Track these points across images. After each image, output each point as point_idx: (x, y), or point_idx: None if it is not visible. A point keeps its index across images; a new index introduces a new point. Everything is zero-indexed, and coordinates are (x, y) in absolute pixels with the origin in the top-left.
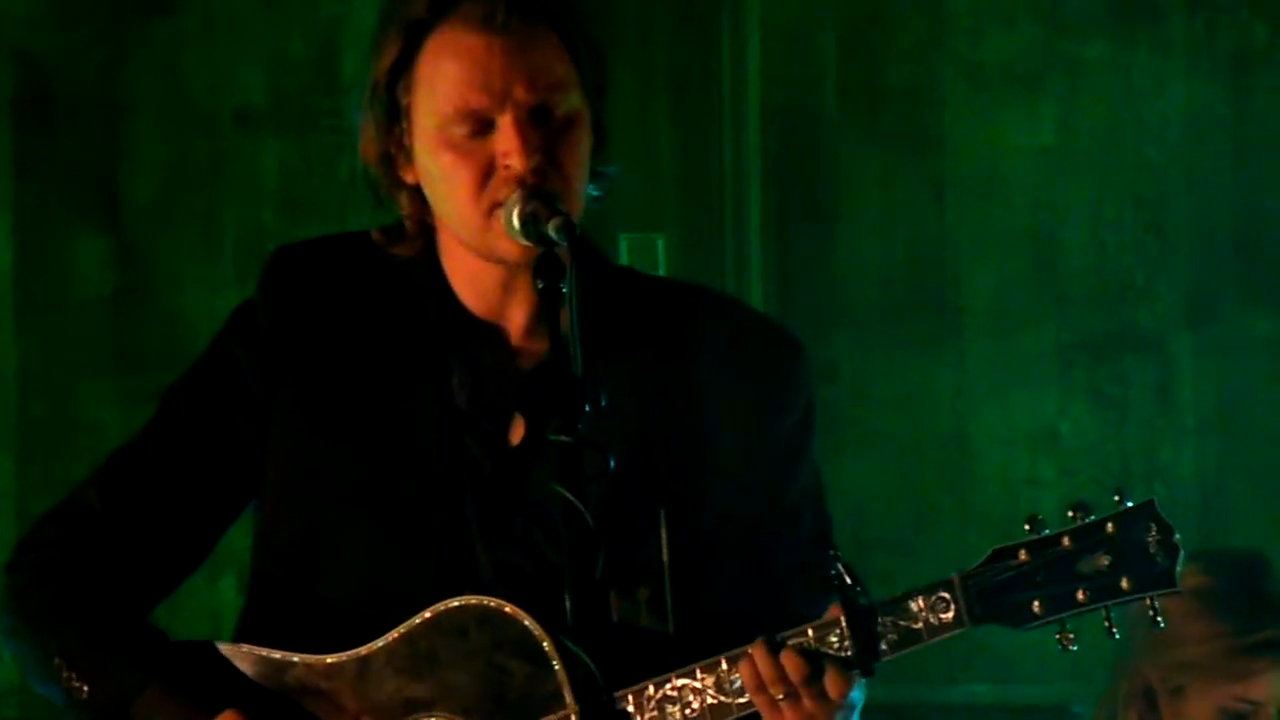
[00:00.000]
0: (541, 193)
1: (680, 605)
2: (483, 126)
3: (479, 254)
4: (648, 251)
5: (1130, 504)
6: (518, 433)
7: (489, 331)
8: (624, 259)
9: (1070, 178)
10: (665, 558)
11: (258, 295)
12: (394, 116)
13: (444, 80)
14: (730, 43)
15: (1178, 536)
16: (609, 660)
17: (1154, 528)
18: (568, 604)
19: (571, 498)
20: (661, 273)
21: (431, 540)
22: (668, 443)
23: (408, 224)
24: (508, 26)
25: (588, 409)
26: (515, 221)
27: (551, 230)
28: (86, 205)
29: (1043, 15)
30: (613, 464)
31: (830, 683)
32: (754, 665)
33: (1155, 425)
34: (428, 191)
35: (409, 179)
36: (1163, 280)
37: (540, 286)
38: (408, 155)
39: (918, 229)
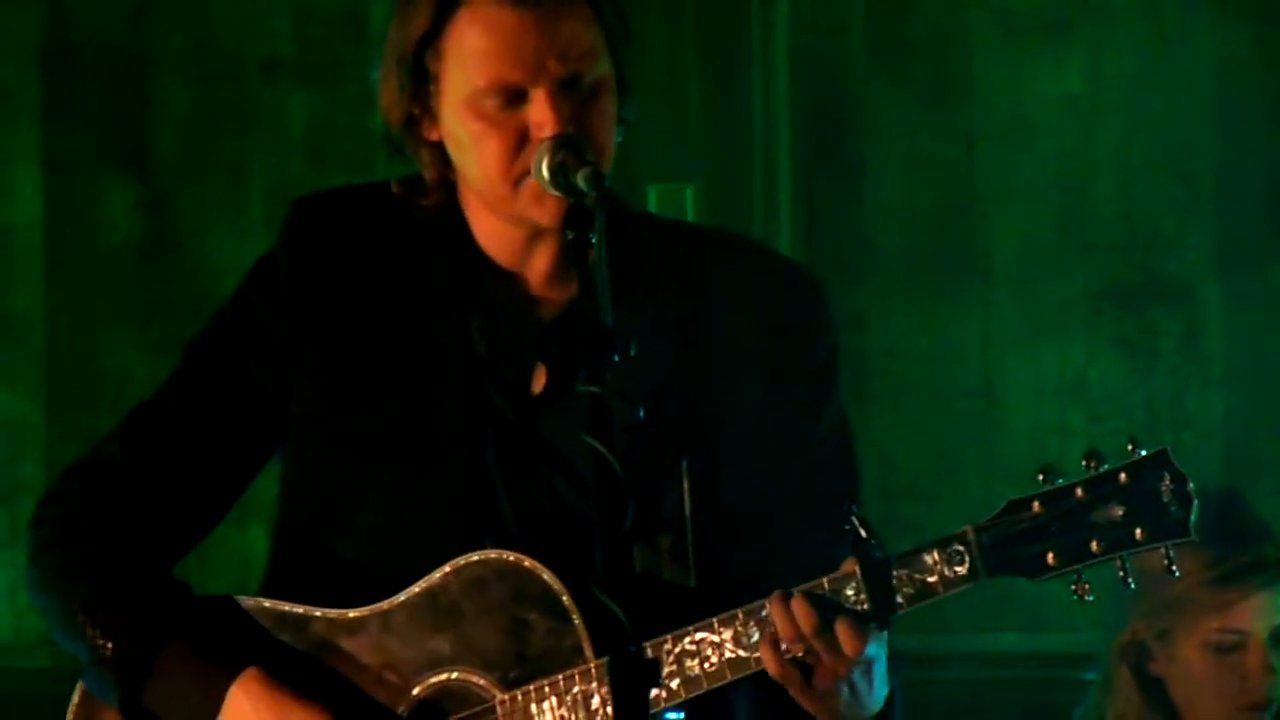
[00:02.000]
0: (571, 142)
1: (702, 556)
2: (515, 98)
3: (504, 217)
4: (676, 201)
5: (1144, 452)
6: (539, 381)
7: (510, 280)
8: (653, 209)
9: (1099, 126)
10: (687, 509)
11: (278, 247)
12: (421, 81)
13: (476, 54)
14: None
15: (1191, 485)
16: (632, 611)
17: (1167, 477)
18: (598, 555)
19: (601, 448)
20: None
21: (454, 489)
22: (689, 391)
23: (429, 179)
24: (538, 1)
25: (616, 359)
26: (545, 171)
27: (580, 180)
28: (114, 155)
29: None
30: (641, 414)
31: (846, 636)
32: (770, 621)
33: (1183, 374)
34: (453, 153)
35: (433, 137)
36: (1191, 229)
37: (569, 237)
38: (433, 116)
39: (946, 178)
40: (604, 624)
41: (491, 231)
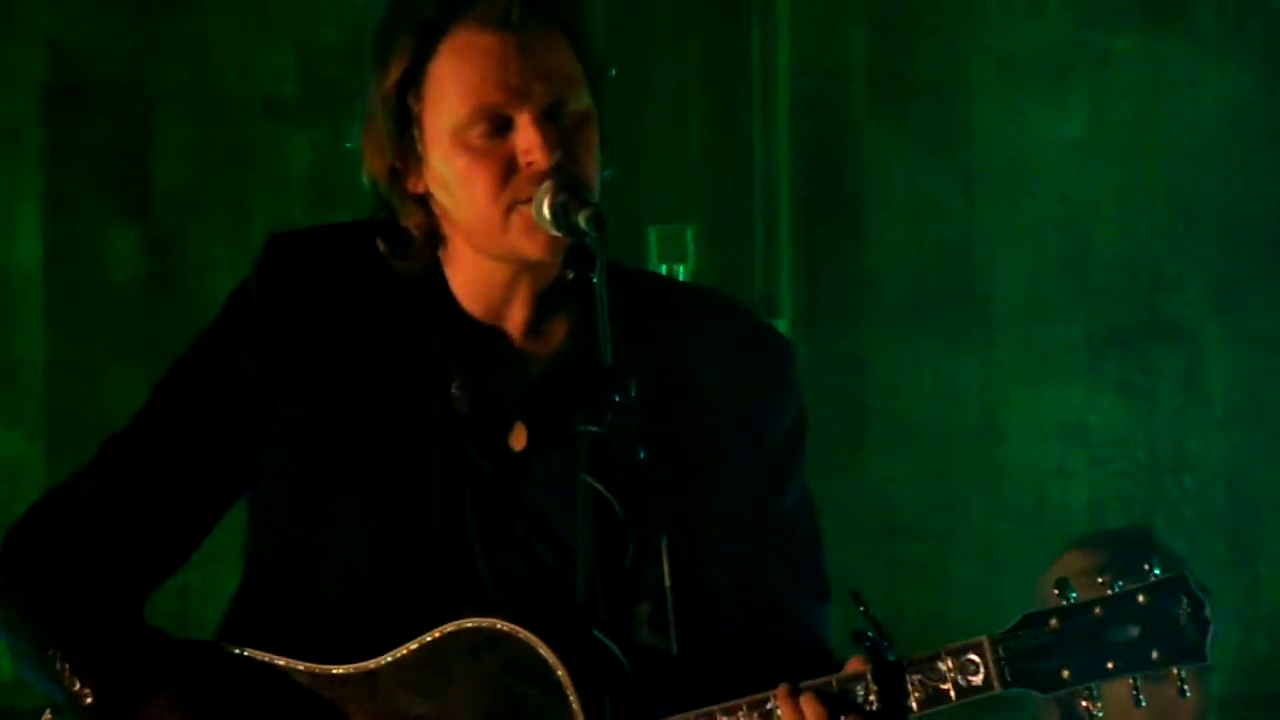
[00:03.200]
0: (573, 183)
1: (682, 624)
2: (500, 125)
3: (493, 255)
4: (677, 242)
5: (1159, 573)
6: (519, 439)
7: (489, 334)
8: (653, 250)
9: (1099, 169)
10: (667, 579)
11: (254, 286)
12: (404, 125)
13: (461, 81)
14: (760, 34)
15: (1208, 610)
16: (614, 680)
17: (1185, 600)
18: (597, 593)
19: (601, 487)
20: (691, 264)
21: (429, 545)
22: (666, 454)
23: (415, 234)
24: (522, 25)
25: (617, 399)
26: (546, 211)
27: (582, 221)
28: (117, 194)
29: (1072, 6)
30: (641, 454)
31: None
32: (776, 717)
33: (1185, 416)
34: (441, 196)
35: (417, 189)
36: (1192, 270)
37: (570, 277)
38: (418, 164)
39: (946, 221)
40: (598, 704)
41: (471, 280)
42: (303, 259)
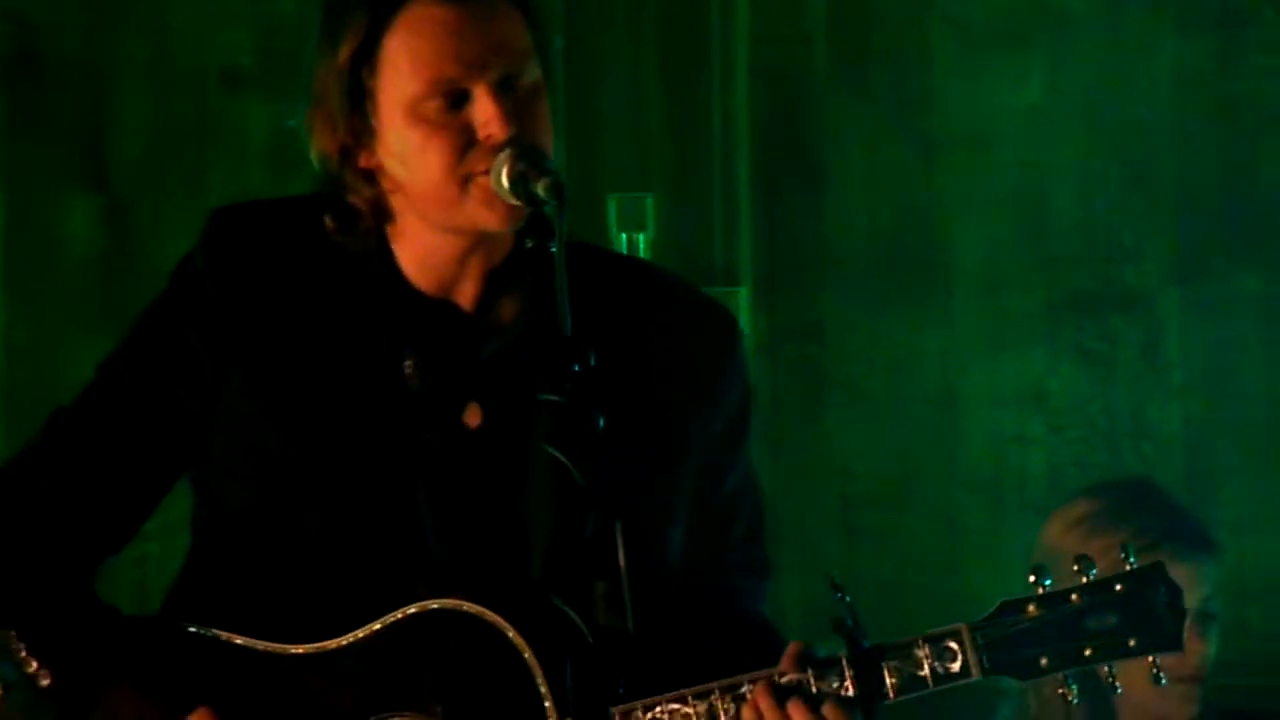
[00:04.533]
0: (531, 152)
1: (637, 601)
2: (457, 99)
3: (448, 227)
4: (636, 211)
5: (1135, 563)
6: (473, 416)
7: (441, 309)
8: (613, 219)
9: (1058, 136)
10: (622, 560)
11: (200, 260)
12: (357, 100)
13: (416, 54)
14: (719, 1)
15: (1185, 599)
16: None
17: (1162, 589)
18: (555, 563)
19: (561, 457)
20: (651, 233)
21: (381, 523)
22: (620, 432)
23: (363, 206)
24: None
25: (576, 369)
26: (505, 181)
27: (541, 190)
28: (74, 166)
29: None
30: (601, 423)
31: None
32: (756, 708)
33: (1143, 384)
34: (395, 170)
35: (369, 164)
36: (1150, 239)
37: (528, 245)
38: (370, 139)
39: (906, 188)
40: (562, 680)
41: (421, 255)
42: (249, 233)
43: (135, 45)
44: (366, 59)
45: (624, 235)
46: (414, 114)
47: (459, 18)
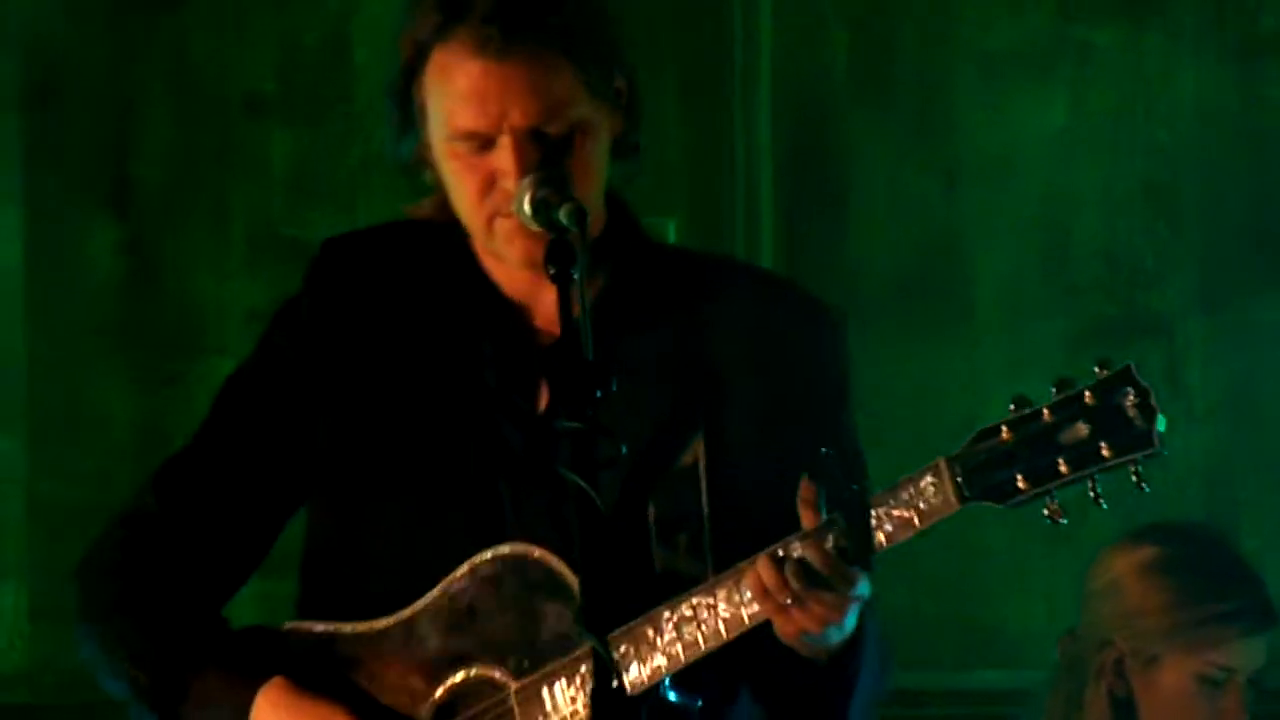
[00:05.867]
0: (552, 178)
1: (718, 549)
2: (483, 143)
3: (487, 251)
4: (658, 236)
5: (1108, 372)
6: (544, 401)
7: (519, 310)
8: None
9: (1080, 164)
10: (705, 509)
11: (302, 289)
12: (408, 109)
13: (445, 99)
14: (742, 30)
15: (1154, 397)
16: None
17: (1131, 392)
18: (582, 582)
19: (582, 483)
20: None
21: (466, 522)
22: (700, 400)
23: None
24: (503, 53)
25: (599, 395)
26: (527, 207)
27: (562, 216)
28: (97, 194)
29: (1051, 1)
30: (624, 450)
31: (836, 581)
32: (758, 575)
33: (1165, 410)
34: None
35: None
36: (1173, 266)
37: (550, 272)
38: (428, 152)
39: (928, 217)
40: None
41: (499, 263)
42: (348, 260)
43: (157, 73)
44: (415, 76)
45: None
46: (448, 148)
47: (485, 72)
